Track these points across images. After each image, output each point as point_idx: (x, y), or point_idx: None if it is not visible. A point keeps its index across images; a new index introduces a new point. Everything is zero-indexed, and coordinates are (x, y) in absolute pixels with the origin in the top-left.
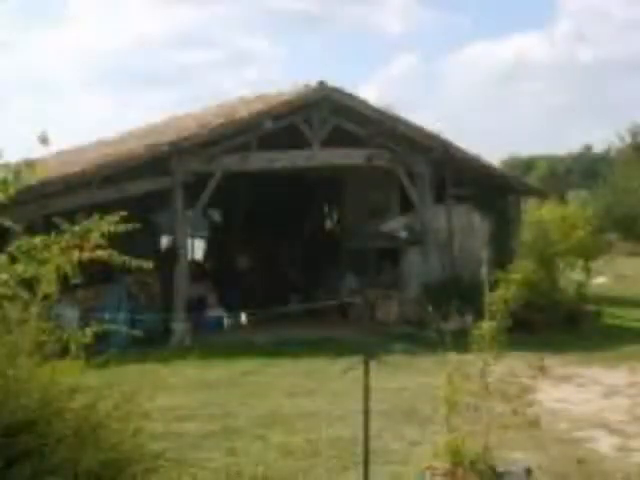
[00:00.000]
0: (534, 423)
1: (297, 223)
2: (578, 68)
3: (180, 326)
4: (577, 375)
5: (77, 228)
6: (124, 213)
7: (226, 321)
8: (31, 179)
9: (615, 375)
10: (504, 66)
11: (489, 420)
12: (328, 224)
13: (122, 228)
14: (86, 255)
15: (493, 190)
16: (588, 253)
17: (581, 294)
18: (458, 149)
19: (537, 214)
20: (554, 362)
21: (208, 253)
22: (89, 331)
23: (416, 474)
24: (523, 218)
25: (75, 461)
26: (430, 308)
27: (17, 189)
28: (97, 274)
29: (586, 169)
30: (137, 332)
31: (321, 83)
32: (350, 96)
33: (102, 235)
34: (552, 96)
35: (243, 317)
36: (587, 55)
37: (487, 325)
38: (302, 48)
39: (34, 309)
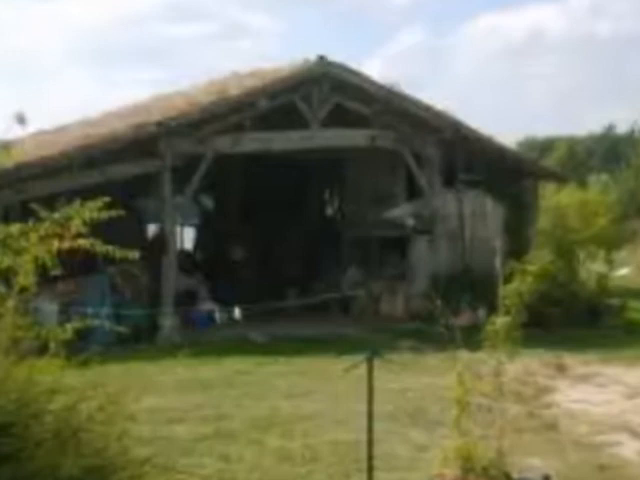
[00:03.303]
0: (551, 426)
1: (295, 210)
2: (597, 43)
3: (168, 322)
4: (598, 374)
5: (57, 215)
6: (107, 199)
7: (218, 316)
8: (7, 162)
9: (639, 374)
10: (518, 41)
11: (503, 423)
12: (328, 211)
13: (105, 215)
14: (66, 244)
15: (507, 174)
16: (610, 242)
17: (602, 286)
18: (470, 129)
19: (555, 200)
20: (573, 360)
21: (199, 243)
22: (70, 327)
23: None
24: (540, 204)
25: (55, 467)
26: (439, 302)
27: None
28: (78, 265)
29: (608, 151)
30: (122, 328)
31: (321, 58)
32: (352, 72)
33: (84, 223)
34: (570, 73)
35: (237, 312)
36: (606, 30)
37: (501, 320)
38: (301, 22)
39: (10, 303)
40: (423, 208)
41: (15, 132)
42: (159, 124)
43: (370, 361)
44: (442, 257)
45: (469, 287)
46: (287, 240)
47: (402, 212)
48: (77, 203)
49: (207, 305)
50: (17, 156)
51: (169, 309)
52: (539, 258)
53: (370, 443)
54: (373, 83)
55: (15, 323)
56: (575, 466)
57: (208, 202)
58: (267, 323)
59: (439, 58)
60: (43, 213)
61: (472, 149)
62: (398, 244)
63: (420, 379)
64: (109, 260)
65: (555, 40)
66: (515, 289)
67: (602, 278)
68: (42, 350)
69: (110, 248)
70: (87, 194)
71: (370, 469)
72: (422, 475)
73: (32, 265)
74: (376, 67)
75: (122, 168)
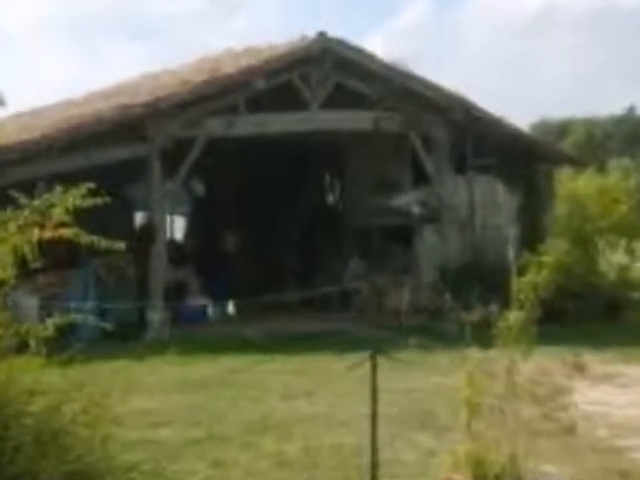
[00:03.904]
0: (569, 429)
1: (293, 198)
2: (618, 16)
3: (157, 317)
4: (619, 374)
5: (37, 202)
6: (92, 185)
7: (211, 311)
8: None
9: None
10: (532, 14)
11: (516, 426)
12: (329, 199)
13: (90, 203)
14: (48, 234)
15: (521, 159)
16: (632, 231)
17: (623, 279)
18: (481, 111)
19: (572, 186)
20: (592, 359)
21: (190, 232)
22: (51, 323)
23: None
24: (556, 191)
25: (35, 472)
26: (447, 296)
27: None
28: (60, 256)
29: (629, 134)
30: (107, 324)
31: (321, 34)
32: (354, 49)
33: (66, 211)
34: (589, 49)
35: (230, 307)
36: (628, 2)
37: (514, 316)
38: None
39: None
40: (430, 195)
41: None
42: (147, 105)
43: (374, 359)
44: (451, 247)
45: (480, 280)
46: (284, 229)
47: (408, 199)
48: (59, 190)
49: (199, 299)
50: None
51: (158, 303)
52: (555, 248)
53: (374, 448)
54: (376, 61)
55: None
56: (594, 472)
57: (200, 188)
58: (263, 318)
59: (447, 34)
60: (22, 200)
61: (483, 132)
62: (404, 234)
63: (427, 379)
64: (93, 251)
65: (572, 13)
66: (529, 282)
67: (623, 270)
68: (21, 348)
69: (94, 238)
70: (70, 180)
71: (374, 476)
72: None
73: (11, 256)
74: (379, 44)
75: (107, 152)
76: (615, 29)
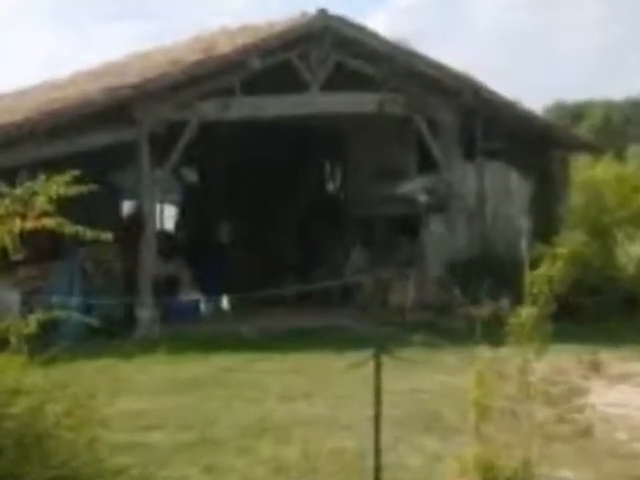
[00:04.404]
0: (585, 432)
1: (291, 186)
2: None
3: (146, 313)
4: (638, 373)
5: (19, 191)
6: (77, 172)
7: (203, 307)
8: None
9: None
10: None
11: (529, 429)
12: (329, 187)
13: (74, 191)
14: (30, 225)
15: (535, 144)
16: None
17: None
18: (491, 93)
19: (589, 174)
20: (610, 357)
21: (181, 222)
22: (33, 319)
23: None
24: (571, 179)
25: (18, 477)
26: (456, 291)
27: None
28: (43, 248)
29: None
30: (93, 320)
31: (321, 12)
32: (356, 27)
33: (50, 200)
34: (607, 27)
35: (224, 302)
36: None
37: (527, 312)
38: None
39: None
40: (437, 182)
41: None
42: (136, 86)
43: (377, 358)
44: (459, 239)
45: (490, 273)
46: (282, 220)
47: (414, 187)
48: (42, 177)
49: (190, 294)
50: None
51: (147, 299)
52: (571, 240)
53: (377, 452)
54: (379, 39)
55: None
56: (612, 478)
57: (192, 176)
58: (259, 314)
59: (455, 10)
60: (3, 188)
61: (494, 115)
62: (409, 224)
63: (434, 379)
64: (78, 243)
65: None
66: (543, 275)
67: None
68: (2, 345)
69: (79, 229)
70: (54, 166)
71: None
72: None
73: None
74: (381, 22)
75: (93, 137)
76: (634, 1)
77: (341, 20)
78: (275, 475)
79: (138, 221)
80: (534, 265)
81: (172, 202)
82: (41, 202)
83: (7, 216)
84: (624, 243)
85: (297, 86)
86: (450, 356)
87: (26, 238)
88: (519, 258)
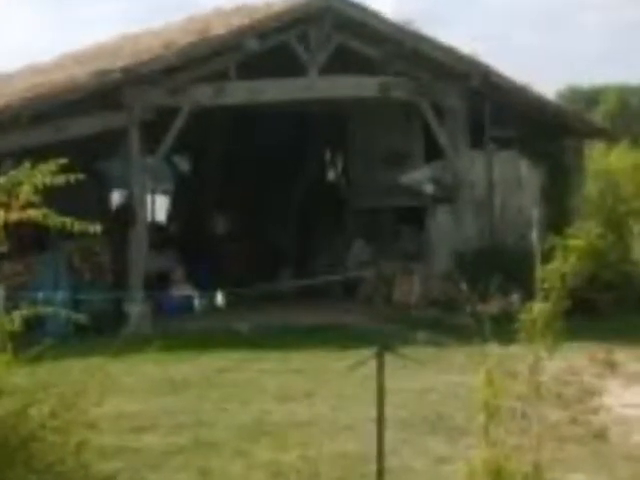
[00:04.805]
0: (600, 435)
1: (290, 174)
2: None
3: (136, 309)
4: None
5: (2, 180)
6: (64, 160)
7: (197, 302)
8: None
9: None
10: None
11: (541, 431)
12: (330, 176)
13: (61, 180)
14: (14, 216)
15: (547, 131)
16: None
17: None
18: (501, 77)
19: (604, 162)
20: (626, 355)
21: (173, 213)
22: (18, 315)
23: None
24: (586, 167)
25: None
26: (464, 285)
27: None
28: (28, 241)
29: None
30: (81, 317)
31: None
32: (358, 7)
33: (35, 190)
34: (624, 5)
35: (219, 297)
36: None
37: (539, 307)
38: None
39: None
40: (444, 171)
41: None
42: (126, 70)
43: (380, 357)
44: (467, 231)
45: (500, 267)
46: (280, 210)
47: (419, 176)
48: (26, 166)
49: (183, 289)
50: None
51: (137, 294)
52: (585, 232)
53: (380, 455)
54: (383, 20)
55: None
56: None
57: (184, 164)
58: (255, 310)
59: None
60: None
61: (504, 101)
62: (414, 215)
63: (440, 378)
64: (65, 235)
65: None
66: (556, 269)
67: None
68: None
69: (66, 220)
70: (39, 154)
71: None
72: None
73: None
74: (385, 1)
75: (81, 123)
76: None
77: (342, 0)
78: (272, 479)
79: (128, 212)
80: (546, 258)
81: (164, 192)
82: (25, 192)
83: None
84: None
85: (295, 69)
86: (457, 354)
87: (10, 230)
88: (530, 251)
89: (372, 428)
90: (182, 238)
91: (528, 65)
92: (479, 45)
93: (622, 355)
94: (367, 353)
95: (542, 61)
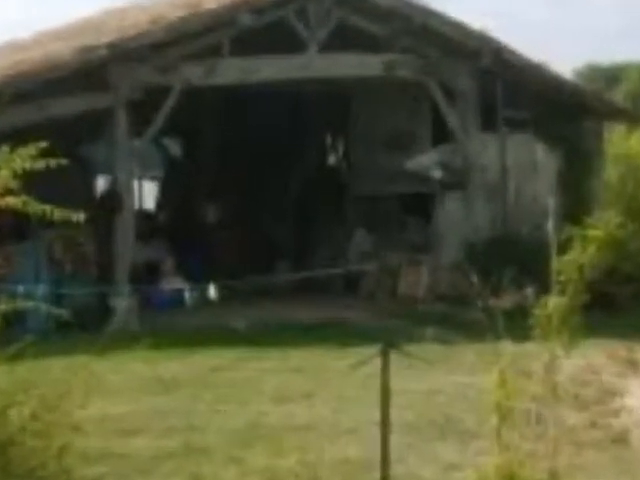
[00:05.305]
0: (621, 439)
1: (287, 159)
2: None
3: (123, 303)
4: None
5: None
6: (45, 144)
7: (188, 296)
8: None
9: None
10: None
11: (558, 435)
12: (331, 160)
13: (42, 165)
14: None
15: (564, 112)
16: None
17: None
18: (514, 54)
19: (625, 145)
20: None
21: (163, 200)
22: None
23: None
24: (606, 151)
25: None
26: (475, 278)
27: None
28: (7, 230)
29: None
30: (62, 312)
31: None
32: None
33: (14, 175)
34: None
35: (212, 291)
36: None
37: (555, 302)
38: None
39: None
40: (454, 156)
41: None
42: (111, 46)
43: (385, 355)
44: (478, 219)
45: (513, 258)
46: (277, 197)
47: (427, 161)
48: (5, 149)
49: (173, 282)
50: None
51: (124, 287)
52: (604, 221)
53: (385, 461)
54: None
55: None
56: None
57: (175, 148)
58: (251, 305)
59: None
60: None
61: (518, 80)
62: (421, 203)
63: (449, 378)
64: (46, 223)
65: None
66: (573, 261)
67: None
68: None
69: (47, 208)
70: (18, 137)
71: None
72: None
73: None
74: None
75: (63, 104)
76: None
77: None
78: None
79: (113, 199)
80: (563, 249)
81: (152, 178)
82: (4, 177)
83: None
84: None
85: (293, 46)
86: (467, 353)
87: None
88: (546, 241)
89: (376, 432)
90: (172, 227)
91: (542, 42)
92: (490, 21)
93: None
94: (370, 351)
95: (557, 38)
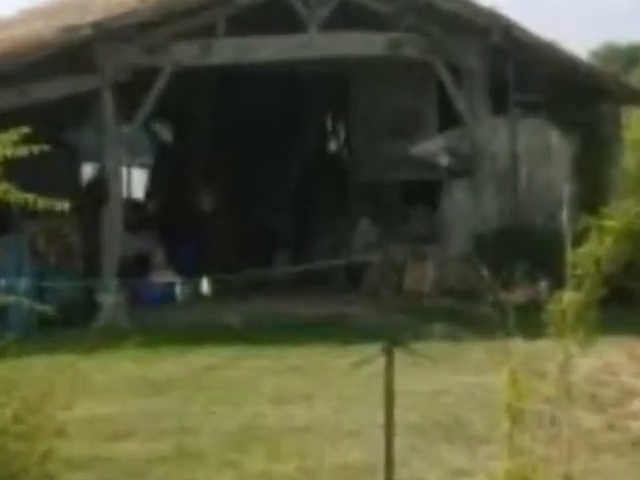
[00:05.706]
0: (639, 443)
1: (285, 144)
2: None
3: (110, 298)
4: None
5: None
6: (27, 129)
7: (179, 291)
8: None
9: None
10: None
11: (573, 438)
12: (332, 146)
13: (24, 151)
14: None
15: (579, 95)
16: None
17: None
18: (525, 32)
19: None
20: None
21: (153, 189)
22: None
23: None
24: (623, 136)
25: None
26: (484, 271)
27: None
28: None
29: None
30: (46, 307)
31: None
32: None
33: None
34: None
35: (205, 285)
36: None
37: (570, 297)
38: None
39: None
40: (462, 141)
41: None
42: (97, 25)
43: (389, 353)
44: (488, 209)
45: (525, 250)
46: (274, 185)
47: (433, 147)
48: None
49: (164, 275)
50: None
51: (111, 281)
52: (622, 210)
53: (389, 466)
54: None
55: None
56: None
57: (165, 133)
58: (247, 300)
59: None
60: None
61: (530, 60)
62: (427, 191)
63: (457, 377)
64: (28, 214)
65: None
66: (589, 254)
67: None
68: None
69: (30, 197)
70: None
71: None
72: None
73: None
74: None
75: (47, 86)
76: None
77: None
78: None
79: (100, 188)
80: (578, 241)
81: (142, 165)
82: None
83: None
84: None
85: (292, 25)
86: (476, 350)
87: None
88: (560, 232)
89: (379, 434)
90: (162, 217)
91: (556, 21)
92: None
93: None
94: (374, 349)
95: (572, 17)
